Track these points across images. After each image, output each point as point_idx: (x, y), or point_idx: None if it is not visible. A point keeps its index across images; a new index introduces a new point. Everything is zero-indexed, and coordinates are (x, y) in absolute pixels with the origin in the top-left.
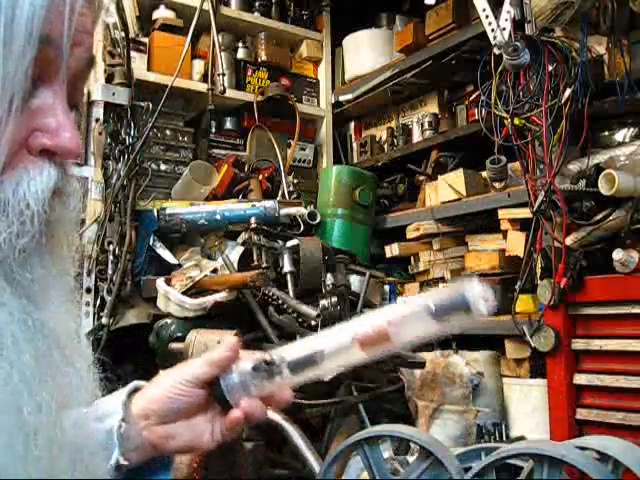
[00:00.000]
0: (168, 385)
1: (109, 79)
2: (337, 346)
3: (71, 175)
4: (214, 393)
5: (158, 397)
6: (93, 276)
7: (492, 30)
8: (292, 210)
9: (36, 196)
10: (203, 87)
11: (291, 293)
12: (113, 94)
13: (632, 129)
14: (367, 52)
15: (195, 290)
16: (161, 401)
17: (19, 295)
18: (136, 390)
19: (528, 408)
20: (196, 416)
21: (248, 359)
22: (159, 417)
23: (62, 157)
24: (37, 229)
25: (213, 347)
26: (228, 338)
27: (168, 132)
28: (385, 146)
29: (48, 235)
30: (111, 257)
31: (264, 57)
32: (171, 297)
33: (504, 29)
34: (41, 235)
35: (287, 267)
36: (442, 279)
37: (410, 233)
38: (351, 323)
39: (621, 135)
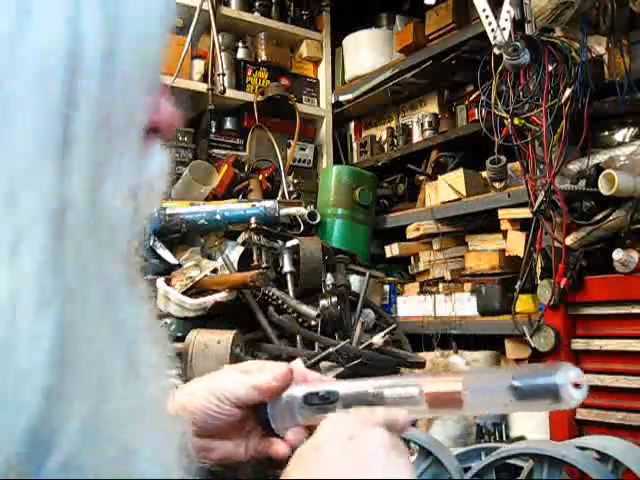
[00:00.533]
0: (206, 400)
1: None
2: (401, 395)
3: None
4: (259, 416)
5: (195, 410)
6: None
7: (492, 30)
8: (292, 210)
9: (162, 177)
10: (203, 87)
11: (291, 293)
12: None
13: (632, 129)
14: (367, 52)
15: (195, 290)
16: (198, 415)
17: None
18: None
19: None
20: (232, 432)
21: (300, 386)
22: (195, 430)
23: (166, 132)
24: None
25: (213, 347)
26: (280, 366)
27: None
28: (385, 146)
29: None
30: None
31: (264, 57)
32: (171, 297)
33: (504, 29)
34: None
35: (287, 267)
36: (442, 279)
37: (410, 233)
38: (419, 377)
39: (621, 135)
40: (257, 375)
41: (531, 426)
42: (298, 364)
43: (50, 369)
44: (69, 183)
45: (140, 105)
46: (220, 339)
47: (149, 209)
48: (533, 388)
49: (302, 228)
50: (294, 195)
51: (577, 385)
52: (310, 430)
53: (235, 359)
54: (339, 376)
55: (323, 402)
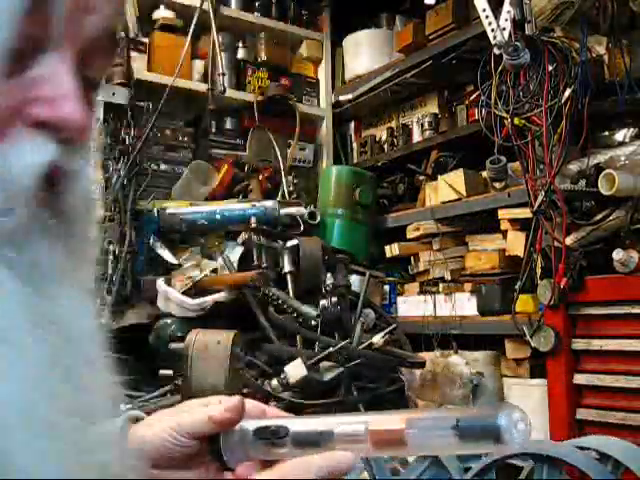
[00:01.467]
0: (164, 431)
1: (109, 79)
2: (348, 433)
3: (80, 155)
4: (212, 448)
5: (153, 443)
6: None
7: (492, 30)
8: (292, 210)
9: (26, 172)
10: (203, 87)
11: (291, 293)
12: (113, 94)
13: (632, 129)
14: (367, 52)
15: (195, 290)
16: (155, 448)
17: (19, 278)
18: (135, 419)
19: (528, 408)
20: (190, 465)
21: (254, 420)
22: (152, 461)
23: (63, 131)
24: (30, 208)
25: (213, 347)
26: (233, 398)
27: (168, 132)
28: (385, 146)
29: (58, 220)
30: (111, 257)
31: (264, 57)
32: (171, 297)
33: (504, 29)
34: (46, 217)
35: (287, 267)
36: (442, 279)
37: (410, 233)
38: (369, 415)
39: (621, 135)
40: (212, 406)
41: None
42: (252, 402)
43: None
44: None
45: None
46: (220, 339)
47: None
48: (476, 429)
49: (302, 228)
50: (294, 195)
51: (523, 424)
52: (262, 465)
53: (235, 359)
54: (339, 376)
55: (273, 436)
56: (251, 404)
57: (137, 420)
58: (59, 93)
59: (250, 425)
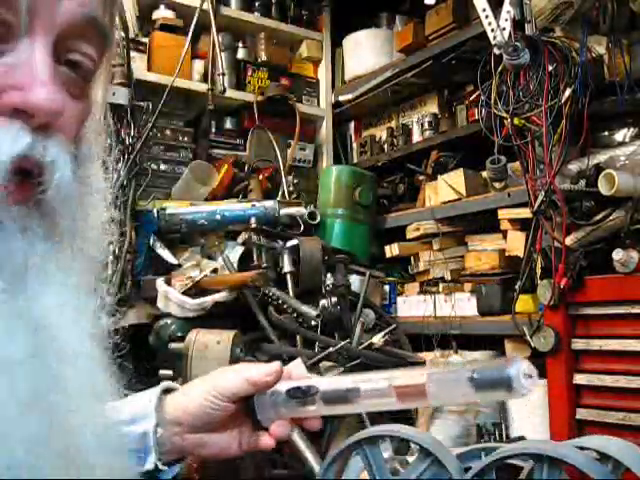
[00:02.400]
0: (202, 397)
1: (109, 79)
2: (373, 389)
3: (58, 144)
4: (247, 409)
5: (191, 408)
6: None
7: (492, 30)
8: (292, 210)
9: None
10: (203, 87)
11: (291, 293)
12: (113, 94)
13: (632, 129)
14: (367, 52)
15: (195, 290)
16: (194, 412)
17: None
18: (166, 391)
19: (528, 408)
20: (226, 427)
21: (285, 382)
22: (191, 427)
23: (37, 118)
24: (2, 200)
25: (213, 347)
26: (273, 363)
27: (168, 132)
28: (385, 146)
29: (39, 217)
30: (111, 257)
31: (264, 57)
32: (171, 297)
33: (504, 29)
34: (24, 213)
35: (287, 267)
36: (442, 279)
37: (410, 233)
38: (392, 372)
39: (621, 135)
40: (250, 370)
41: (531, 426)
42: (278, 364)
43: None
44: None
45: None
46: (220, 339)
47: None
48: (489, 379)
49: (302, 228)
50: (294, 195)
51: (530, 376)
52: (292, 421)
53: (235, 359)
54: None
55: (304, 396)
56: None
57: (170, 391)
58: (32, 79)
59: (281, 386)
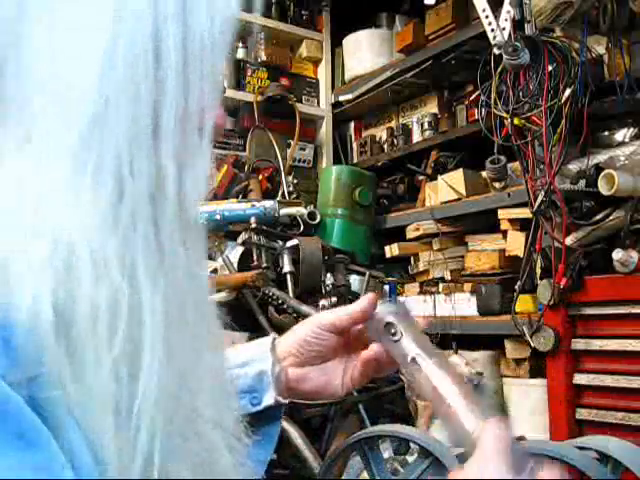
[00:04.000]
0: (306, 330)
1: None
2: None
3: None
4: (352, 346)
5: (295, 340)
6: None
7: (492, 30)
8: (292, 210)
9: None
10: None
11: (291, 293)
12: None
13: (632, 129)
14: (367, 52)
15: None
16: (298, 344)
17: None
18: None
19: (528, 408)
20: (329, 362)
21: (390, 315)
22: (295, 359)
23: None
24: None
25: None
26: (363, 299)
27: None
28: (385, 146)
29: None
30: None
31: (264, 57)
32: None
33: (504, 29)
34: None
35: (287, 267)
36: (442, 279)
37: (410, 233)
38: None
39: (621, 135)
40: (348, 306)
41: (531, 426)
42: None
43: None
44: (163, 169)
45: (211, 105)
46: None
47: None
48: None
49: (302, 228)
50: (294, 195)
51: None
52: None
53: None
54: None
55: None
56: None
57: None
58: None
59: (386, 317)
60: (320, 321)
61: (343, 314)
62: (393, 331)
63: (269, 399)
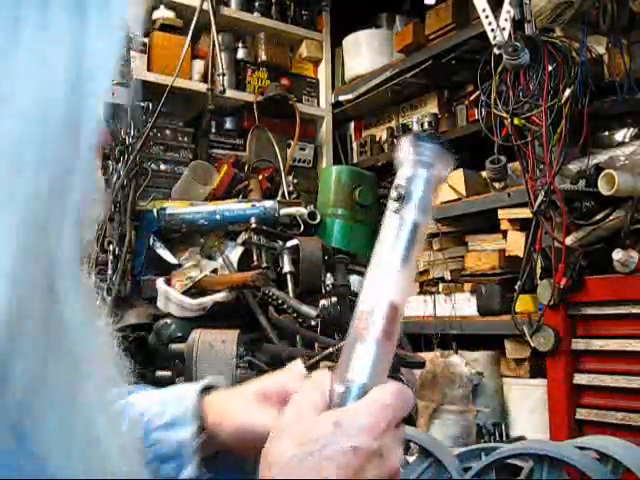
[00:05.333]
0: (243, 404)
1: None
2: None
3: None
4: None
5: (234, 420)
6: (93, 276)
7: (492, 30)
8: (292, 210)
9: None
10: (203, 87)
11: (291, 293)
12: (113, 94)
13: (632, 129)
14: (367, 52)
15: (195, 290)
16: (237, 426)
17: None
18: (206, 388)
19: (528, 408)
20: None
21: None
22: (237, 440)
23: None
24: None
25: (218, 347)
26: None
27: (168, 132)
28: (385, 146)
29: None
30: (111, 257)
31: (264, 57)
32: (171, 297)
33: (504, 29)
34: None
35: (287, 267)
36: (442, 279)
37: None
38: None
39: (621, 135)
40: (271, 410)
41: (531, 426)
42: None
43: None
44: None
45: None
46: (225, 339)
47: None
48: None
49: (302, 228)
50: (294, 195)
51: None
52: None
53: (239, 358)
54: None
55: None
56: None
57: (211, 388)
58: None
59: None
60: (258, 391)
61: (271, 422)
62: (398, 196)
63: (189, 474)
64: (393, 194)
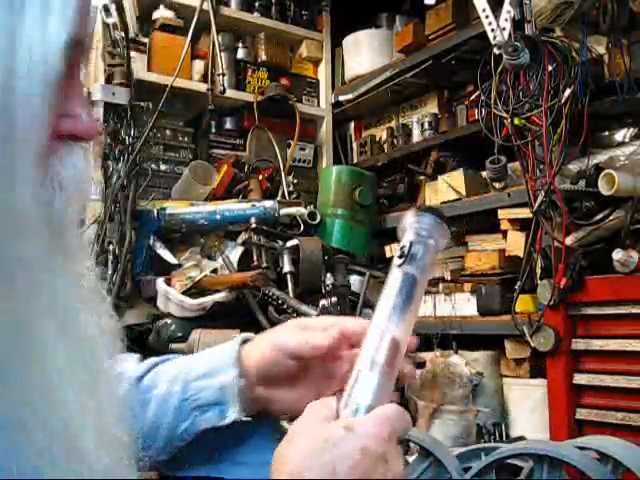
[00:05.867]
0: (267, 350)
1: (109, 79)
2: None
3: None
4: (325, 368)
5: (259, 358)
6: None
7: (492, 30)
8: (292, 210)
9: (75, 178)
10: (203, 87)
11: (291, 293)
12: (113, 94)
13: (632, 129)
14: (367, 52)
15: (195, 290)
16: (260, 363)
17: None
18: (244, 342)
19: (528, 408)
20: (295, 383)
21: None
22: (260, 378)
23: (86, 142)
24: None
25: None
26: (333, 328)
27: (168, 132)
28: (385, 146)
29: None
30: (111, 257)
31: (264, 57)
32: (171, 297)
33: (504, 29)
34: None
35: (287, 267)
36: (442, 279)
37: None
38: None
39: (621, 135)
40: (314, 333)
41: (531, 426)
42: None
43: None
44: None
45: (39, 123)
46: (225, 339)
47: (70, 202)
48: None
49: (302, 228)
50: (294, 195)
51: None
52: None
53: None
54: None
55: None
56: (352, 323)
57: (247, 341)
58: (81, 108)
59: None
60: (277, 342)
61: (306, 344)
62: (403, 254)
63: (233, 414)
64: (398, 253)
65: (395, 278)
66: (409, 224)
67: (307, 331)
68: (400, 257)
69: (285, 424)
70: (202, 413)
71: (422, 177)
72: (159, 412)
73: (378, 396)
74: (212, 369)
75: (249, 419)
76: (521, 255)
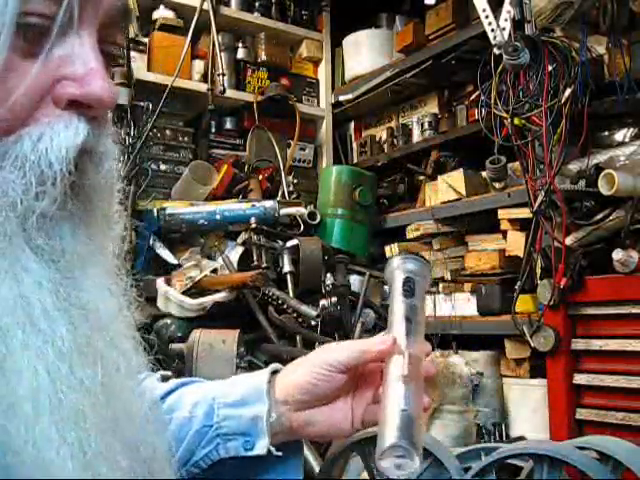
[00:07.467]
0: (309, 370)
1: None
2: None
3: (106, 133)
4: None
5: (297, 383)
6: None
7: (492, 30)
8: (292, 210)
9: (59, 154)
10: (203, 87)
11: (291, 293)
12: None
13: (632, 129)
14: (367, 52)
15: (195, 290)
16: (301, 386)
17: (47, 265)
18: (274, 372)
19: (528, 408)
20: (336, 403)
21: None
22: (298, 403)
23: (93, 109)
24: (60, 192)
25: (219, 346)
26: (388, 336)
27: (168, 132)
28: (385, 146)
29: (79, 202)
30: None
31: (264, 57)
32: (171, 297)
33: (504, 29)
34: (69, 201)
35: (287, 267)
36: (442, 279)
37: (410, 233)
38: None
39: (621, 135)
40: (361, 342)
41: (531, 426)
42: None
43: None
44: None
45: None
46: (225, 339)
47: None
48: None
49: (302, 228)
50: (294, 195)
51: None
52: None
53: (239, 358)
54: None
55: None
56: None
57: (277, 372)
58: (87, 70)
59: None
60: (327, 361)
61: (357, 353)
62: (408, 288)
63: (262, 447)
64: (402, 289)
65: (400, 304)
66: (397, 266)
67: (351, 344)
68: (405, 291)
69: (309, 456)
70: (225, 442)
71: (422, 177)
72: (178, 435)
73: (409, 401)
74: (242, 398)
75: (279, 453)
76: (521, 255)
